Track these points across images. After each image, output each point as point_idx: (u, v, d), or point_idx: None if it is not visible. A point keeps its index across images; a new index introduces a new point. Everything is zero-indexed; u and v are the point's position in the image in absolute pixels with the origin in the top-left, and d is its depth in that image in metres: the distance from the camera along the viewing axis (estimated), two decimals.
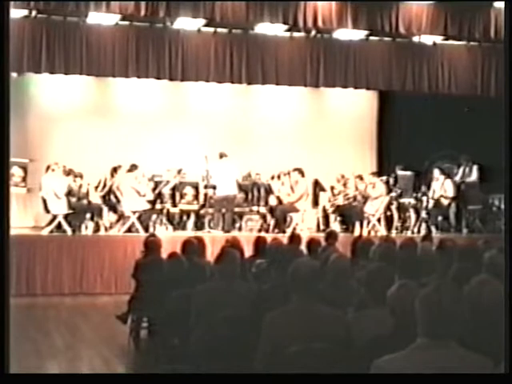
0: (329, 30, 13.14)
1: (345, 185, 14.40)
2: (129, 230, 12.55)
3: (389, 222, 13.75)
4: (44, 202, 12.58)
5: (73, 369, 7.14)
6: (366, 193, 13.68)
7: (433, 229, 13.59)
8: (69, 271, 11.59)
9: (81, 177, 13.26)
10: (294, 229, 12.80)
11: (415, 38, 13.83)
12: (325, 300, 4.35)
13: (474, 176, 14.75)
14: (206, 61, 13.01)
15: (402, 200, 14.01)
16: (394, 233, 13.33)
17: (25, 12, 12.02)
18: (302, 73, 13.44)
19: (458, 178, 14.75)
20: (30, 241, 11.81)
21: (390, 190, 13.85)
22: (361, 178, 14.01)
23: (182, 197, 13.41)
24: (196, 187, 13.47)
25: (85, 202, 13.11)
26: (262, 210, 13.97)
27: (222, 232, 12.58)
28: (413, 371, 2.97)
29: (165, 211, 13.39)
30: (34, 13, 12.16)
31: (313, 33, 13.46)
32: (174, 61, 12.84)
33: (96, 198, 13.26)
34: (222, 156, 13.18)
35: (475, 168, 14.77)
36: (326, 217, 14.22)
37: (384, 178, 14.33)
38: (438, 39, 13.90)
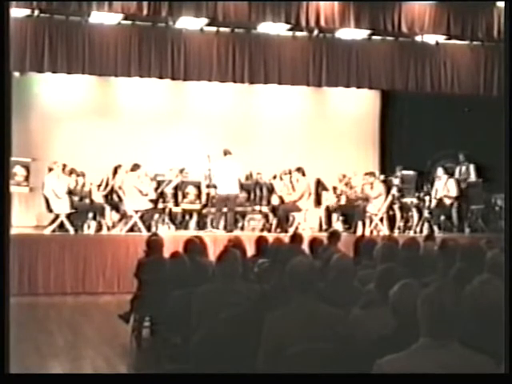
0: (331, 29, 13.13)
1: (347, 184, 14.41)
2: (131, 230, 12.56)
3: (391, 221, 13.75)
4: (46, 201, 12.60)
5: (74, 368, 7.14)
6: (364, 193, 13.68)
7: (435, 228, 13.58)
8: (71, 270, 11.59)
9: (83, 176, 13.28)
10: (297, 228, 12.80)
11: (418, 38, 13.82)
12: (327, 300, 4.35)
13: (471, 175, 14.77)
14: (208, 60, 13.01)
15: (404, 199, 14.00)
16: (396, 232, 13.32)
17: (27, 11, 12.02)
18: (304, 72, 13.44)
19: (456, 177, 14.74)
20: (32, 240, 11.82)
21: (389, 190, 13.83)
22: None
23: (184, 196, 13.41)
24: (198, 186, 13.47)
25: (87, 201, 13.12)
26: (265, 209, 13.98)
27: (225, 231, 12.58)
28: (415, 371, 2.96)
29: (167, 210, 13.40)
30: (36, 12, 12.16)
31: (315, 32, 13.45)
32: (176, 60, 12.84)
33: (98, 198, 13.26)
34: (226, 153, 13.13)
35: (472, 167, 14.79)
36: (328, 216, 14.22)
37: (382, 177, 14.34)
38: (441, 39, 13.89)
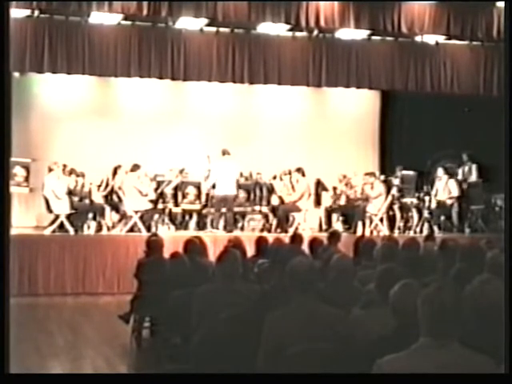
0: (331, 29, 13.13)
1: (347, 185, 14.41)
2: (131, 230, 12.56)
3: (391, 221, 13.75)
4: (46, 201, 12.60)
5: (75, 368, 7.14)
6: (364, 193, 13.68)
7: (435, 229, 13.58)
8: (71, 271, 11.59)
9: (83, 176, 13.28)
10: (297, 228, 12.80)
11: (417, 38, 13.82)
12: (327, 300, 4.35)
13: (473, 175, 14.78)
14: (208, 60, 13.02)
15: (404, 200, 14.00)
16: (396, 233, 13.32)
17: (27, 12, 12.03)
18: (304, 72, 13.44)
19: (458, 178, 14.76)
20: (32, 240, 11.82)
21: (389, 190, 13.83)
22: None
23: (184, 196, 13.42)
24: (198, 187, 13.48)
25: (87, 201, 13.13)
26: (264, 209, 13.98)
27: (225, 232, 12.58)
28: (415, 371, 2.96)
29: (167, 211, 13.41)
30: (36, 12, 12.16)
31: (315, 32, 13.46)
32: (176, 60, 12.84)
33: (98, 198, 13.27)
34: (224, 153, 13.11)
35: (474, 167, 14.80)
36: (328, 216, 14.22)
37: (382, 177, 14.35)
38: (441, 39, 13.90)
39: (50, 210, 12.65)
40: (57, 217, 12.50)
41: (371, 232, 13.26)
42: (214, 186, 13.14)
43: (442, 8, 12.96)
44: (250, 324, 4.38)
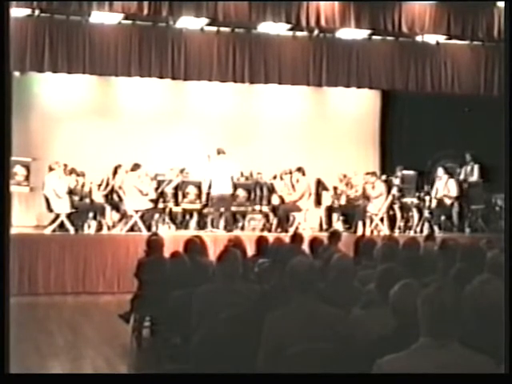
0: (332, 29, 13.13)
1: (347, 184, 14.41)
2: (131, 229, 12.56)
3: (392, 221, 13.75)
4: (47, 200, 12.60)
5: (75, 368, 7.13)
6: (366, 193, 13.68)
7: (435, 228, 13.58)
8: (71, 270, 11.59)
9: (83, 176, 13.29)
10: (297, 228, 12.80)
11: (418, 38, 13.82)
12: (327, 300, 4.35)
13: (475, 175, 14.78)
14: (208, 60, 13.01)
15: (404, 199, 14.00)
16: (396, 232, 13.32)
17: (28, 11, 12.03)
18: (304, 72, 13.43)
19: (460, 178, 14.77)
20: (32, 240, 11.82)
21: (389, 190, 13.83)
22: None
23: (184, 196, 13.42)
24: (199, 186, 13.48)
25: (87, 201, 13.13)
26: (265, 209, 13.98)
27: (225, 231, 12.58)
28: (415, 371, 2.96)
29: (167, 210, 13.41)
30: (36, 12, 12.16)
31: (316, 32, 13.45)
32: (176, 60, 12.84)
33: (99, 197, 13.27)
34: (219, 152, 13.14)
35: (476, 167, 14.80)
36: (328, 216, 14.22)
37: (383, 177, 14.36)
38: (441, 39, 13.89)
39: (50, 210, 12.65)
40: (57, 216, 12.51)
41: (371, 232, 13.26)
42: (210, 186, 13.16)
43: (443, 8, 12.96)
44: (250, 324, 4.38)
